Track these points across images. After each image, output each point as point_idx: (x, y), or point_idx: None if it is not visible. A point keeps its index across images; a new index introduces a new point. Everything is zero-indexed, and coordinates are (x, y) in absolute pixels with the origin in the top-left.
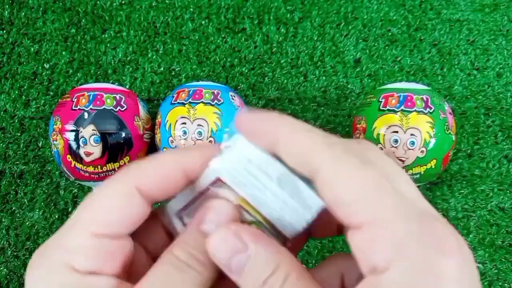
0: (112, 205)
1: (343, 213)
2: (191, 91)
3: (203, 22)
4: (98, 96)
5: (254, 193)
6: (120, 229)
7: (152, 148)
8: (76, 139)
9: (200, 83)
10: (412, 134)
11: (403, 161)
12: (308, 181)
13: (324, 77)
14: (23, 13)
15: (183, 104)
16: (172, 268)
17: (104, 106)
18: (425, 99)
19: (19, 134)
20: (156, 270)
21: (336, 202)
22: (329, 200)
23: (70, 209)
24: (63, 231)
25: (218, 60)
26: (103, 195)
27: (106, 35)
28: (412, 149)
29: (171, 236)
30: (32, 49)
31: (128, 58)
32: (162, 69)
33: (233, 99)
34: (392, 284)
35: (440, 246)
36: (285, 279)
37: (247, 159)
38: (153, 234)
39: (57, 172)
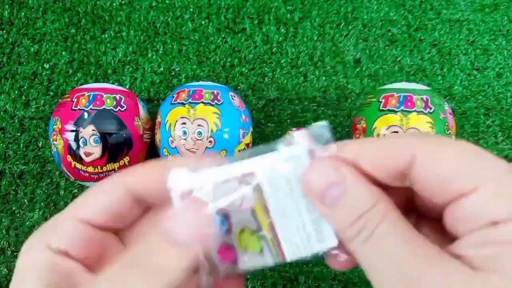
0: (101, 197)
1: (450, 185)
2: (191, 91)
3: (203, 22)
4: (98, 96)
5: (280, 201)
6: (104, 219)
7: (152, 148)
8: (76, 139)
9: (200, 83)
10: None
11: None
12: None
13: (324, 77)
14: (23, 13)
15: (183, 104)
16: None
17: (104, 106)
18: (425, 99)
19: (19, 134)
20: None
21: (442, 178)
22: (433, 180)
23: None
24: (56, 216)
25: (218, 60)
26: (94, 189)
27: (106, 35)
28: None
29: None
30: (32, 49)
31: (128, 58)
32: (162, 69)
33: (233, 99)
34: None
35: None
36: (384, 216)
37: (292, 169)
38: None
39: (57, 172)
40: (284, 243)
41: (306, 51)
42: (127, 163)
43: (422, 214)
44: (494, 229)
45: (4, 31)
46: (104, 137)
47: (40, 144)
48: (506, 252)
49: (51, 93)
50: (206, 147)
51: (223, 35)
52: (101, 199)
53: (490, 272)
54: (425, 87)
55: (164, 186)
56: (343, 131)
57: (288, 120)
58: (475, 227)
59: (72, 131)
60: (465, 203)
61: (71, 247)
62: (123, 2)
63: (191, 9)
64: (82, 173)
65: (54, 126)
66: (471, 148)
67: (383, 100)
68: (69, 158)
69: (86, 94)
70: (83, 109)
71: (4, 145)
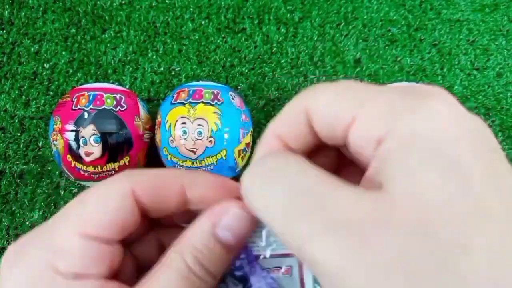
0: (104, 205)
1: (338, 121)
2: (191, 91)
3: (203, 22)
4: (98, 96)
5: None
6: (111, 233)
7: (152, 148)
8: (76, 139)
9: (200, 83)
10: None
11: None
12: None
13: (324, 77)
14: (23, 13)
15: (183, 104)
16: (178, 276)
17: (104, 106)
18: None
19: (19, 134)
20: (161, 276)
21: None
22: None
23: None
24: (47, 228)
25: (218, 60)
26: (96, 195)
27: (106, 35)
28: None
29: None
30: (32, 49)
31: (128, 58)
32: (162, 69)
33: (233, 99)
34: (391, 150)
35: (421, 101)
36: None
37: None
38: (145, 244)
39: (57, 172)
40: None
41: (306, 51)
42: (127, 163)
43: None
44: (379, 148)
45: (4, 31)
46: (104, 137)
47: (40, 144)
48: (388, 166)
49: (51, 93)
50: (206, 147)
51: (223, 35)
52: (107, 207)
53: (383, 191)
54: None
55: (175, 195)
56: None
57: None
58: (370, 153)
59: (72, 131)
60: (352, 136)
61: (79, 266)
62: (123, 2)
63: (191, 9)
64: (82, 172)
65: (54, 126)
66: (343, 86)
67: None
68: (69, 158)
69: (86, 94)
70: (83, 109)
71: (4, 145)
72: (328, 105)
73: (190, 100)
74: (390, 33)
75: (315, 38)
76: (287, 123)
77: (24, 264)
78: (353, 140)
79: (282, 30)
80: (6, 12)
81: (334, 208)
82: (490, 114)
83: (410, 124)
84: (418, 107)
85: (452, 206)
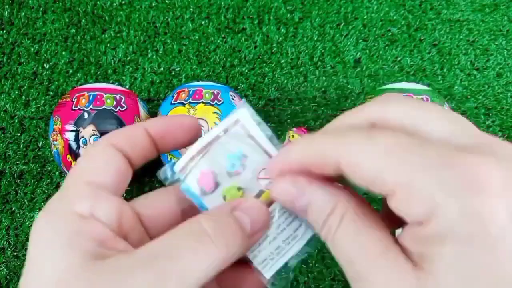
0: (97, 158)
1: (375, 187)
2: (191, 91)
3: (203, 22)
4: (98, 96)
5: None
6: (108, 179)
7: None
8: (76, 139)
9: (200, 83)
10: None
11: None
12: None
13: (324, 77)
14: (23, 13)
15: (183, 104)
16: (194, 236)
17: (104, 106)
18: (425, 99)
19: (19, 134)
20: (179, 232)
21: (368, 179)
22: (363, 179)
23: None
24: (62, 188)
25: (218, 60)
26: (88, 153)
27: (106, 35)
28: None
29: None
30: (32, 49)
31: (128, 58)
32: (162, 69)
33: (233, 99)
34: (435, 234)
35: (474, 187)
36: (341, 219)
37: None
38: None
39: (57, 172)
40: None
41: (306, 51)
42: None
43: None
44: (420, 228)
45: (4, 31)
46: None
47: (40, 144)
48: (435, 252)
49: (51, 93)
50: None
51: (223, 35)
52: (106, 162)
53: (426, 272)
54: (425, 87)
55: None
56: None
57: (288, 120)
58: (407, 220)
59: (72, 131)
60: (393, 202)
61: (95, 211)
62: (123, 2)
63: (191, 9)
64: None
65: (54, 126)
66: (383, 147)
67: None
68: (69, 158)
69: (86, 94)
70: (83, 109)
71: (4, 145)
72: (371, 166)
73: (190, 100)
74: (390, 33)
75: (315, 38)
76: (313, 160)
77: (49, 214)
78: (394, 206)
79: (282, 30)
80: (6, 12)
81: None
82: (490, 114)
83: (460, 213)
84: (470, 185)
85: None
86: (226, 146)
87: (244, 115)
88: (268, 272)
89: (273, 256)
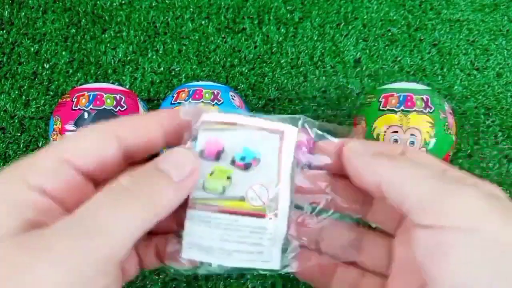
0: (91, 142)
1: (413, 212)
2: (191, 91)
3: (203, 22)
4: (98, 96)
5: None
6: (92, 166)
7: None
8: None
9: (200, 83)
10: (412, 134)
11: None
12: None
13: (324, 77)
14: (23, 13)
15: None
16: (116, 193)
17: (104, 106)
18: (425, 99)
19: (19, 134)
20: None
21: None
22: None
23: None
24: (36, 153)
25: (218, 60)
26: (84, 132)
27: (106, 35)
28: None
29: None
30: (32, 49)
31: (128, 58)
32: (162, 69)
33: (233, 99)
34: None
35: None
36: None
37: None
38: (146, 247)
39: None
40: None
41: (306, 51)
42: None
43: None
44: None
45: (4, 31)
46: None
47: (40, 144)
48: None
49: (51, 93)
50: None
51: (223, 35)
52: (91, 144)
53: None
54: (425, 87)
55: (156, 139)
56: None
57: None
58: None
59: (72, 131)
60: (422, 235)
61: (50, 184)
62: (123, 2)
63: (191, 9)
64: None
65: (54, 126)
66: (429, 181)
67: (383, 100)
68: None
69: (86, 94)
70: (83, 109)
71: (4, 145)
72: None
73: (190, 100)
74: (390, 33)
75: (315, 38)
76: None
77: (5, 178)
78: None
79: (282, 30)
80: (6, 12)
81: None
82: (490, 114)
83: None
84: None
85: None
86: (253, 140)
87: (291, 135)
88: (186, 253)
89: (207, 249)
